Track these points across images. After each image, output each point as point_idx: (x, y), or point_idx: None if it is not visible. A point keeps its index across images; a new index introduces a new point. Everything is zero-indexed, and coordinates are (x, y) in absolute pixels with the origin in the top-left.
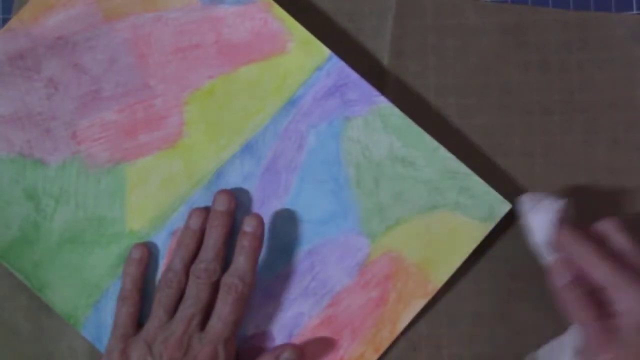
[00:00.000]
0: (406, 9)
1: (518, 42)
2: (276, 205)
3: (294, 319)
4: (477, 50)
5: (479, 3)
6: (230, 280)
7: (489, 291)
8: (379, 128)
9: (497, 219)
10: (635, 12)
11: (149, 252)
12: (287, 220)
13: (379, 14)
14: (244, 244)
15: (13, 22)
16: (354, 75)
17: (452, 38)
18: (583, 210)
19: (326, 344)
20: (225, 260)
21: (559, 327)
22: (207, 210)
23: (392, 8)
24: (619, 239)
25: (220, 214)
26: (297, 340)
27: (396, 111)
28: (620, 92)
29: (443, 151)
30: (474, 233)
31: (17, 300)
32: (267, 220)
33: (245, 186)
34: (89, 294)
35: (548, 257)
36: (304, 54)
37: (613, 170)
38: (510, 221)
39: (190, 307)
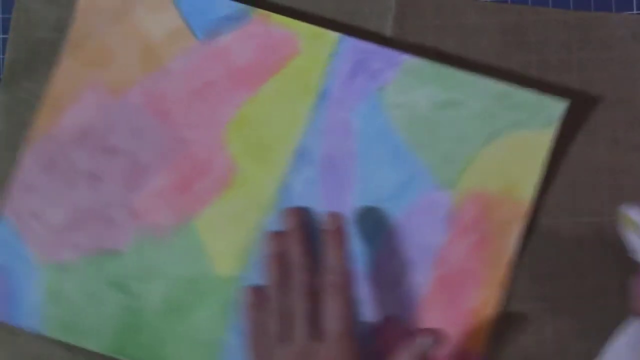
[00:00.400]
0: (406, 9)
1: (518, 42)
2: (347, 197)
3: (410, 293)
4: (477, 50)
5: (479, 3)
6: (327, 278)
7: None
8: (414, 84)
9: (557, 120)
10: (635, 12)
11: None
12: (365, 208)
13: (379, 14)
14: (328, 241)
15: (32, 135)
16: (369, 46)
17: (452, 38)
18: (583, 210)
19: (451, 303)
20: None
21: None
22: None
23: (392, 8)
24: None
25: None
26: (421, 312)
27: (423, 62)
28: (620, 92)
29: (482, 80)
30: (541, 141)
31: None
32: (347, 213)
33: (312, 191)
34: (210, 354)
35: None
36: (315, 46)
37: (613, 170)
38: None
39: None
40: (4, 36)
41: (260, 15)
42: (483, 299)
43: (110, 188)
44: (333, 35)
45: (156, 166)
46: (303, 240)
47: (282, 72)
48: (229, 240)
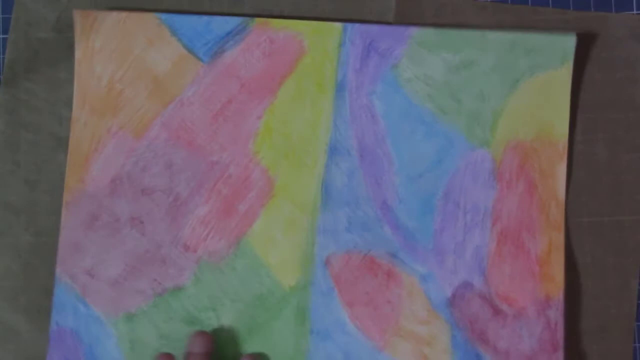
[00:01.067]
0: (406, 9)
1: None
2: (391, 178)
3: (476, 255)
4: None
5: (478, 3)
6: None
7: None
8: (425, 54)
9: (573, 53)
10: (635, 12)
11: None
12: (410, 184)
13: (379, 14)
14: None
15: (67, 196)
16: (373, 28)
17: None
18: (583, 210)
19: (516, 255)
20: None
21: None
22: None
23: (392, 8)
24: None
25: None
26: (490, 270)
27: (428, 31)
28: (620, 92)
29: (490, 34)
30: (562, 78)
31: (17, 301)
32: (395, 197)
33: (354, 182)
34: None
35: None
36: (321, 41)
37: (613, 170)
38: None
39: None
40: (4, 36)
41: (259, 23)
42: (546, 244)
43: (156, 228)
44: (337, 26)
45: (196, 196)
46: None
47: (294, 74)
48: (285, 250)
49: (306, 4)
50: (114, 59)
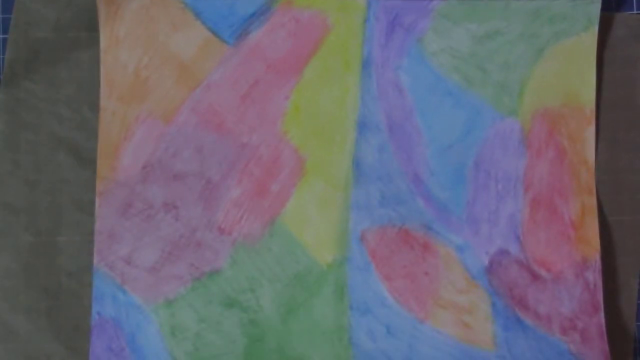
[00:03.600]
0: None
1: None
2: (421, 151)
3: (510, 223)
4: None
5: None
6: None
7: None
8: (450, 26)
9: (597, 19)
10: (635, 11)
11: None
12: (440, 156)
13: None
14: None
15: (99, 186)
16: (398, 2)
17: None
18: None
19: (550, 220)
20: None
21: None
22: None
23: None
24: None
25: None
26: (527, 237)
27: (453, 3)
28: (620, 92)
29: (514, 3)
30: (587, 43)
31: (17, 301)
32: (426, 169)
33: (385, 156)
34: (340, 339)
35: None
36: (346, 18)
37: (613, 170)
38: None
39: None
40: (4, 36)
41: (283, 3)
42: (579, 207)
43: (190, 213)
44: (360, 2)
45: (228, 179)
46: None
47: (320, 52)
48: (320, 228)
49: None
50: (139, 45)
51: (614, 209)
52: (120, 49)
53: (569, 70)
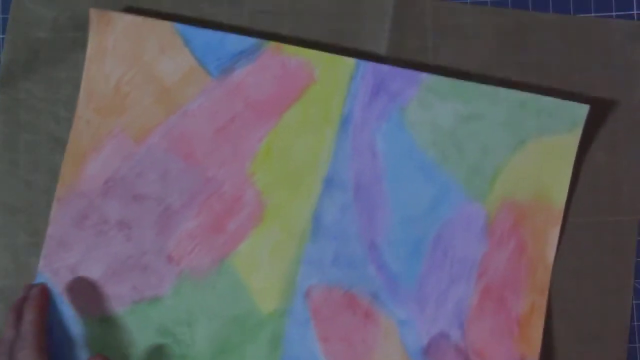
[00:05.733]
0: (405, 10)
1: (517, 45)
2: (382, 218)
3: (457, 307)
4: (476, 52)
5: (477, 7)
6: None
7: None
8: (435, 101)
9: (582, 123)
10: (635, 12)
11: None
12: (401, 226)
13: (377, 17)
14: (28, 305)
15: (59, 191)
16: (387, 68)
17: (450, 41)
18: (582, 211)
19: (497, 313)
20: None
21: None
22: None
23: (390, 12)
24: None
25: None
26: (470, 324)
27: (442, 79)
28: (620, 93)
29: (503, 91)
30: (568, 145)
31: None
32: (384, 237)
33: (346, 217)
34: None
35: None
36: (332, 73)
37: (613, 170)
38: None
39: None
40: (4, 36)
41: (272, 47)
42: (529, 305)
43: (143, 235)
44: (349, 61)
45: (187, 209)
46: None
47: (301, 101)
48: (268, 275)
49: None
50: (125, 60)
51: (614, 209)
52: (106, 61)
53: (545, 167)
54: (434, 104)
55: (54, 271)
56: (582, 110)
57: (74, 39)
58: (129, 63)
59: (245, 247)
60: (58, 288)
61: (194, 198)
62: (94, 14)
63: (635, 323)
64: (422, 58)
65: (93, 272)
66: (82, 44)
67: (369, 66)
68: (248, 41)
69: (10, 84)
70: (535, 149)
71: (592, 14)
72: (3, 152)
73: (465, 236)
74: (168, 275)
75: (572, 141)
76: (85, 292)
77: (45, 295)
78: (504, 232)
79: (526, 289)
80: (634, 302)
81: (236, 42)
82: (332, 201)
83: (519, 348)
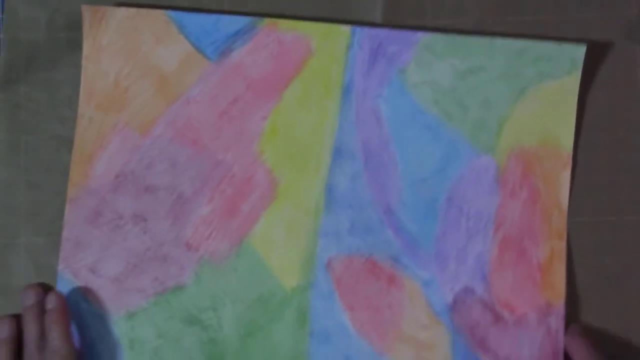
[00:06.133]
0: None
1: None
2: (395, 182)
3: (478, 262)
4: (472, 10)
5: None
6: (50, 357)
7: None
8: (433, 59)
9: (581, 64)
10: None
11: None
12: (413, 188)
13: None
14: (50, 320)
15: (71, 192)
16: (382, 32)
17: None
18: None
19: (518, 262)
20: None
21: None
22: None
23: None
24: None
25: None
26: (492, 276)
27: (437, 36)
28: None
29: (499, 41)
30: (569, 87)
31: None
32: (398, 201)
33: (357, 185)
34: None
35: None
36: (329, 43)
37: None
38: None
39: None
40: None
41: (267, 24)
42: (549, 252)
43: (159, 226)
44: (345, 29)
45: (199, 195)
46: (39, 318)
47: (301, 75)
48: (288, 251)
49: None
50: (121, 55)
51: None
52: (102, 57)
53: (549, 113)
54: (432, 63)
55: (74, 272)
56: (579, 51)
57: (69, 39)
58: (126, 57)
59: (261, 226)
60: (80, 288)
61: (205, 184)
62: (86, 10)
63: None
64: (418, 22)
65: (113, 268)
66: (77, 43)
67: (364, 32)
68: (242, 20)
69: (9, 88)
70: (537, 95)
71: None
72: (10, 156)
73: (478, 190)
74: (188, 263)
75: (572, 83)
76: (108, 289)
77: (64, 306)
78: (515, 181)
79: (544, 235)
80: None
81: (230, 22)
82: (343, 171)
83: (544, 294)
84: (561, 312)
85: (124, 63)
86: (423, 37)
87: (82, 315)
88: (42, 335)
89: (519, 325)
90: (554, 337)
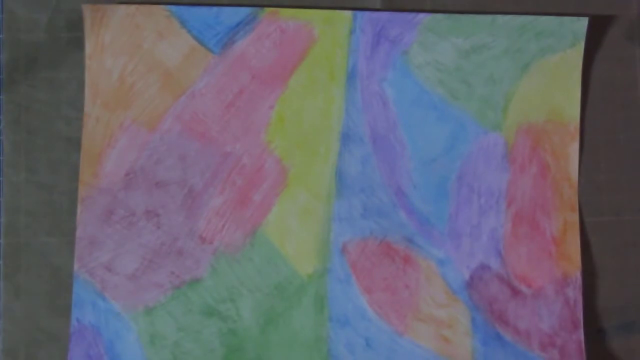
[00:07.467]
0: None
1: None
2: (404, 164)
3: (492, 237)
4: None
5: None
6: None
7: None
8: (436, 39)
9: (584, 37)
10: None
11: None
12: (423, 169)
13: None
14: None
15: (82, 191)
16: (383, 15)
17: None
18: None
19: (532, 236)
20: None
21: None
22: None
23: None
24: None
25: None
26: (507, 251)
27: (439, 17)
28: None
29: (500, 18)
30: (573, 60)
31: (53, 303)
32: (409, 182)
33: (368, 168)
34: (318, 351)
35: None
36: (332, 30)
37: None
38: None
39: None
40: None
41: (268, 13)
42: (562, 224)
43: (172, 221)
44: (346, 14)
45: (210, 187)
46: None
47: (305, 63)
48: (302, 238)
49: None
50: (124, 52)
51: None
52: (105, 56)
53: (553, 86)
54: (435, 44)
55: (90, 271)
56: (581, 24)
57: (70, 39)
58: (129, 54)
59: (274, 215)
60: (97, 287)
61: (216, 176)
62: (87, 10)
63: None
64: (418, 5)
65: (129, 265)
66: (78, 43)
67: (366, 16)
68: (243, 11)
69: (13, 90)
70: (540, 70)
71: None
72: (19, 159)
73: (488, 167)
74: (203, 255)
75: (576, 56)
76: (125, 286)
77: None
78: (524, 156)
79: (556, 208)
80: None
81: (232, 14)
82: (352, 156)
83: (560, 266)
84: (578, 282)
85: (128, 60)
86: (425, 18)
87: (100, 314)
88: None
89: (537, 298)
90: (573, 308)
